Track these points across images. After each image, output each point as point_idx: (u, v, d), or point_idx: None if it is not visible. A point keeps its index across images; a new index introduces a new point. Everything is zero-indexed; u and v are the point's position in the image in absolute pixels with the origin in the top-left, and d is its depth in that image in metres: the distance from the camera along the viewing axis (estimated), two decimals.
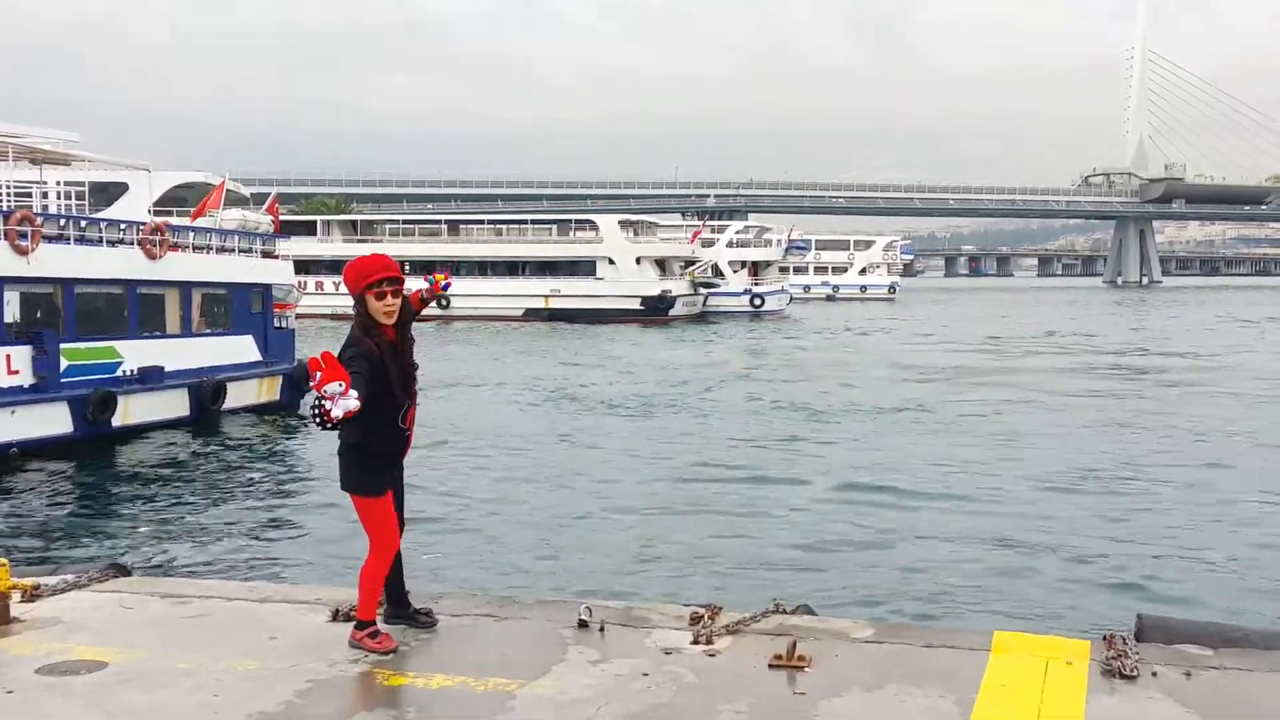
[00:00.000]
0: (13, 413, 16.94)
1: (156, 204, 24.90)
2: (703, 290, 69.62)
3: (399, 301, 5.14)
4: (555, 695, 4.47)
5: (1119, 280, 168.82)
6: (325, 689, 4.58)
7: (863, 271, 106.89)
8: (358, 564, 5.30)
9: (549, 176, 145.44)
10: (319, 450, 17.60)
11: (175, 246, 21.18)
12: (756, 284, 73.90)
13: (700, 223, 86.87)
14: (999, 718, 4.26)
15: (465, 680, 4.64)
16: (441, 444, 18.10)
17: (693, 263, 68.30)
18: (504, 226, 70.85)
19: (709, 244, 74.22)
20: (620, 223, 66.21)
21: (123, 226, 20.48)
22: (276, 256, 25.33)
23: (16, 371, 17.33)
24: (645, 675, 4.68)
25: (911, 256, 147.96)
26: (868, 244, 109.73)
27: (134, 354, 19.65)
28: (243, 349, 23.10)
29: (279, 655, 4.95)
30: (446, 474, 15.60)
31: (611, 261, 63.03)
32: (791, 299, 77.53)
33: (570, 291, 62.51)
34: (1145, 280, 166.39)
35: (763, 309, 71.54)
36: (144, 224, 20.78)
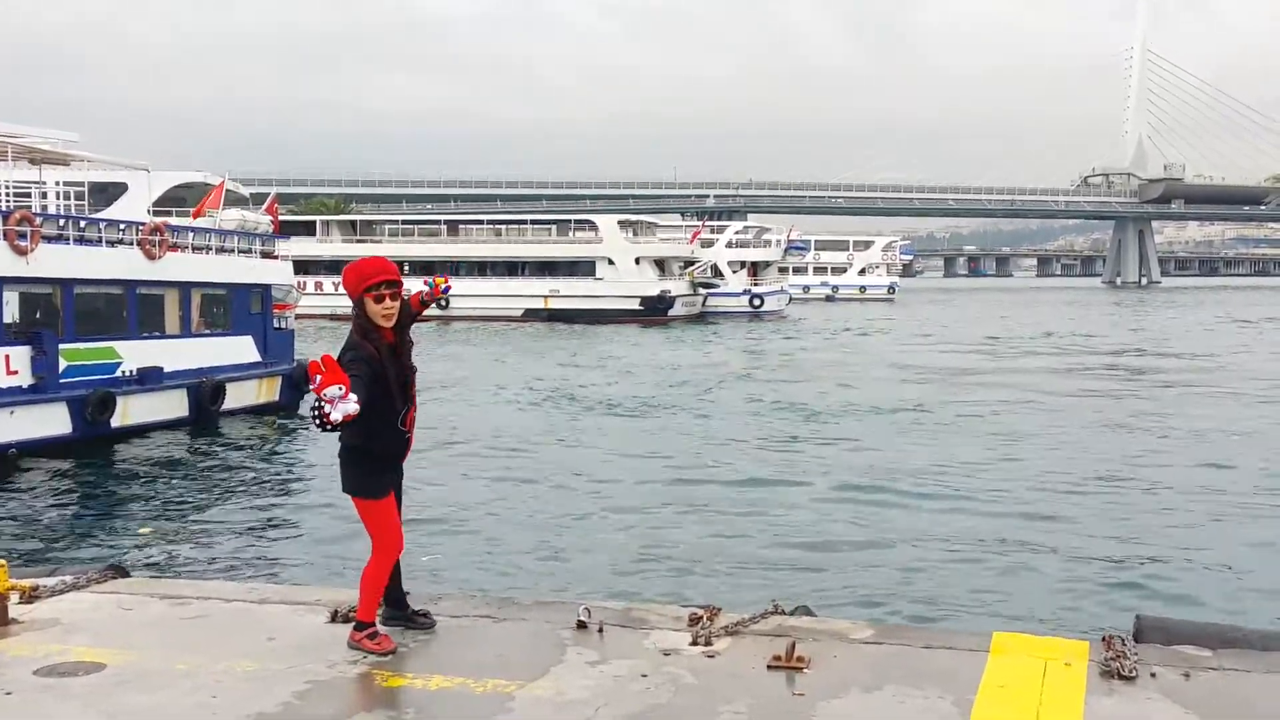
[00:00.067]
0: (12, 413, 16.94)
1: (156, 204, 24.89)
2: (702, 290, 69.63)
3: (398, 304, 5.14)
4: (554, 696, 4.47)
5: (1118, 281, 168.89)
6: (324, 690, 4.58)
7: (862, 272, 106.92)
8: (356, 565, 5.31)
9: (548, 177, 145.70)
10: (318, 451, 17.60)
11: (175, 247, 21.18)
12: (756, 284, 73.91)
13: (699, 223, 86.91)
14: (998, 718, 4.26)
15: (464, 681, 4.64)
16: (441, 445, 18.09)
17: (692, 263, 68.31)
18: (503, 227, 70.85)
19: (708, 244, 74.27)
20: (620, 223, 66.23)
21: (122, 227, 20.48)
22: (276, 257, 25.32)
23: (15, 372, 17.32)
24: (644, 676, 4.68)
25: (911, 257, 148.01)
26: (867, 244, 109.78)
27: (133, 354, 19.64)
28: (242, 349, 23.10)
29: (278, 656, 4.95)
30: (445, 475, 15.60)
31: (611, 262, 63.04)
32: (791, 299, 77.55)
33: (569, 292, 62.52)
34: (1144, 280, 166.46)
35: (762, 309, 71.56)
36: (143, 224, 20.77)
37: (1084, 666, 4.76)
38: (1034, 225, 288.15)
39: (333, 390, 4.43)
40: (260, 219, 28.16)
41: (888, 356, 38.39)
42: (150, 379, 19.69)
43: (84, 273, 18.88)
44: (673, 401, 24.67)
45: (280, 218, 31.97)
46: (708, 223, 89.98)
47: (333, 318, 51.24)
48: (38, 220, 18.08)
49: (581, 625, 5.28)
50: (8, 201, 20.26)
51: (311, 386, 4.54)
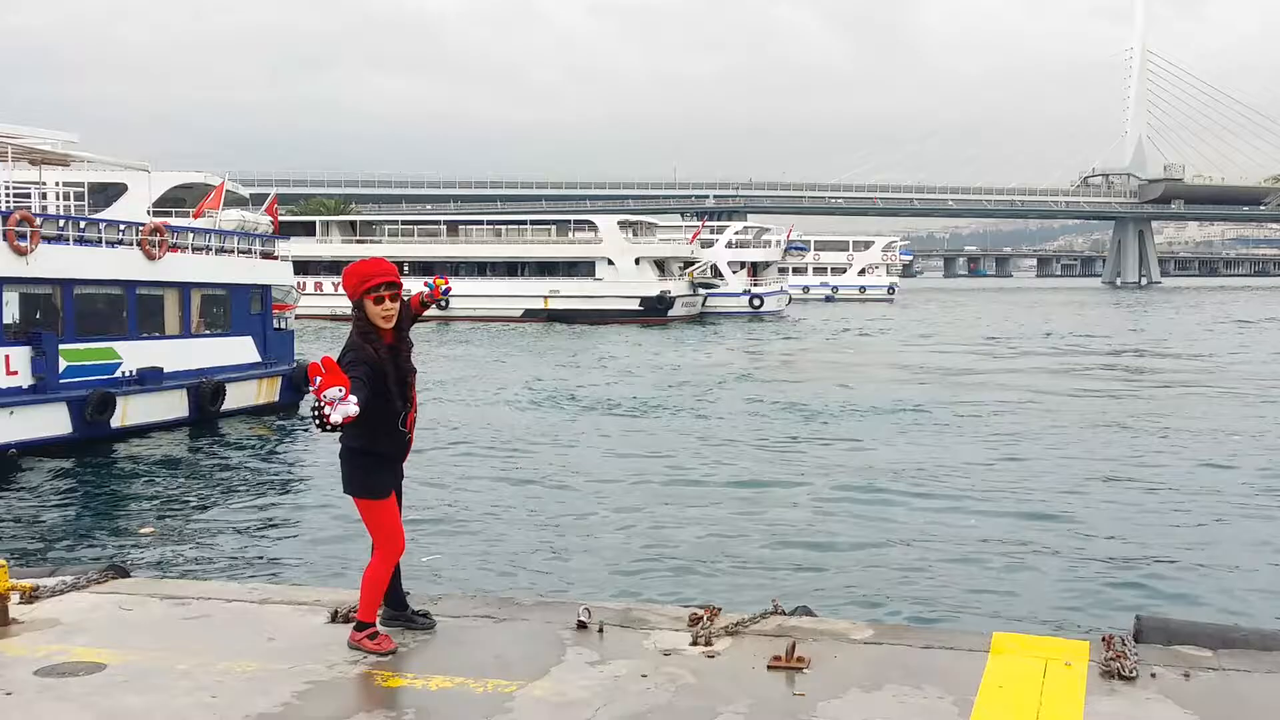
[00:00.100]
0: (11, 413, 16.94)
1: (155, 204, 24.92)
2: (702, 291, 69.62)
3: (397, 306, 5.15)
4: (554, 696, 4.47)
5: (1118, 281, 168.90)
6: (324, 690, 4.58)
7: (862, 272, 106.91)
8: (356, 565, 5.31)
9: (548, 177, 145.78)
10: (318, 451, 17.61)
11: (174, 247, 21.17)
12: (755, 285, 73.89)
13: (699, 223, 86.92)
14: (998, 719, 4.26)
15: (464, 681, 4.64)
16: (441, 445, 18.09)
17: (692, 263, 68.29)
18: (503, 227, 70.78)
19: (708, 244, 74.24)
20: (619, 223, 66.19)
21: (122, 227, 20.47)
22: (275, 257, 25.31)
23: (15, 372, 17.32)
24: (644, 676, 4.69)
25: (910, 257, 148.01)
26: (867, 244, 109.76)
27: (133, 355, 19.64)
28: (242, 350, 23.09)
29: (278, 656, 4.95)
30: (445, 475, 15.60)
31: (610, 262, 63.04)
32: (790, 300, 77.55)
33: (569, 292, 62.51)
34: (1144, 281, 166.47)
35: (762, 310, 71.56)
36: (143, 224, 20.76)
37: (1084, 666, 4.76)
38: (1034, 225, 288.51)
39: (333, 392, 4.44)
40: (260, 219, 28.19)
41: (888, 357, 38.39)
42: (150, 379, 19.68)
43: (84, 273, 18.88)
44: (673, 402, 24.67)
45: (280, 218, 32.00)
46: (707, 223, 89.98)
47: (332, 318, 51.27)
48: (37, 220, 18.08)
49: (581, 625, 5.28)
50: (8, 202, 20.26)
51: (311, 388, 4.54)
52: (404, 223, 72.20)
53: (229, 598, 5.94)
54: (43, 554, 11.32)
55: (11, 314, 17.62)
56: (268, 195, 32.03)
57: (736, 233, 79.82)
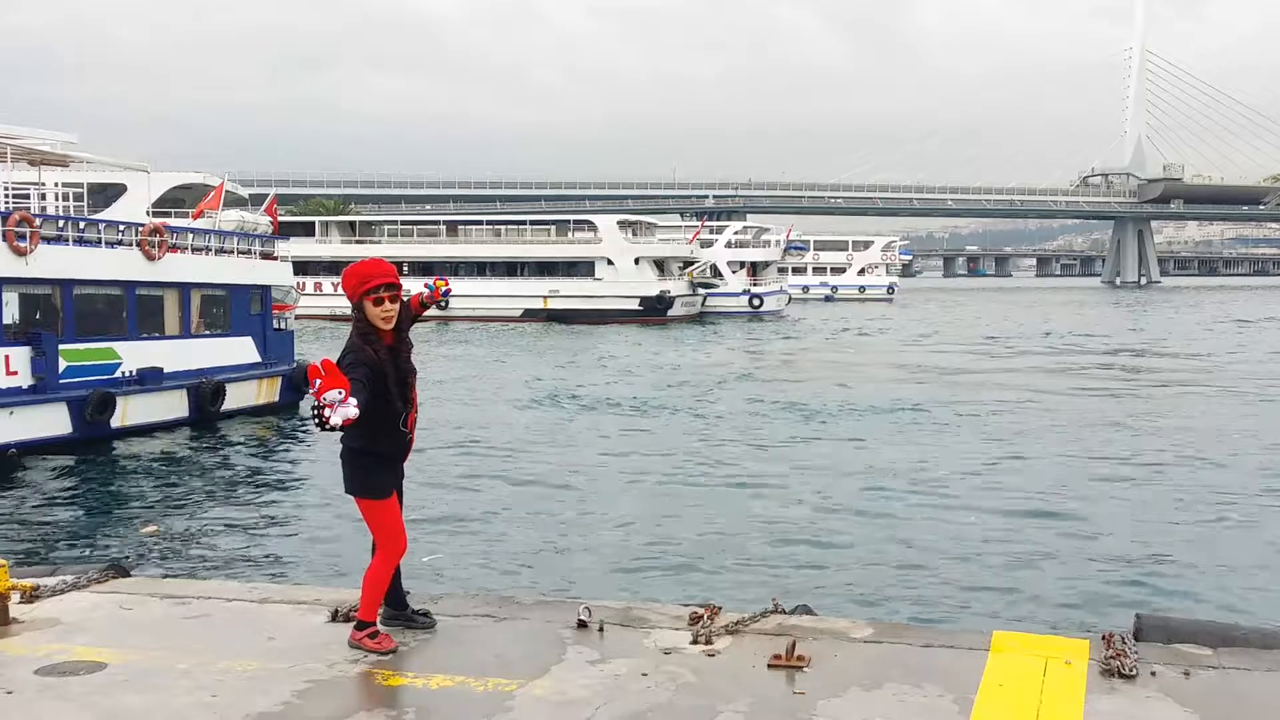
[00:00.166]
0: (11, 413, 16.94)
1: (155, 205, 24.91)
2: (701, 291, 69.62)
3: (397, 307, 5.15)
4: (554, 695, 4.47)
5: (1117, 280, 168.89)
6: (324, 689, 4.58)
7: (861, 272, 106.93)
8: (357, 564, 5.32)
9: (547, 177, 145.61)
10: (318, 451, 17.61)
11: (174, 248, 21.18)
12: (755, 284, 73.90)
13: (699, 223, 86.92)
14: (998, 717, 4.27)
15: (464, 680, 4.64)
16: (441, 445, 18.09)
17: (691, 263, 68.29)
18: (502, 227, 70.80)
19: (707, 244, 74.23)
20: (619, 223, 66.19)
21: (121, 227, 20.48)
22: (275, 257, 25.32)
23: (15, 372, 17.33)
24: (644, 675, 4.69)
25: (909, 257, 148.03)
26: (866, 244, 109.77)
27: (133, 355, 19.64)
28: (242, 350, 23.10)
29: (278, 656, 4.95)
30: (445, 474, 15.60)
31: (610, 262, 63.03)
32: (790, 299, 77.56)
33: (569, 292, 62.52)
34: (1144, 280, 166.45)
35: (761, 309, 71.56)
36: (143, 225, 20.77)
37: (1084, 665, 4.76)
38: (1033, 225, 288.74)
39: (332, 394, 4.44)
40: (259, 220, 28.17)
41: (887, 356, 38.39)
42: (150, 379, 19.69)
43: (83, 273, 18.88)
44: (672, 401, 24.68)
45: (279, 218, 31.97)
46: (707, 223, 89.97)
47: (332, 318, 51.27)
48: (37, 221, 18.09)
49: (582, 624, 5.29)
50: (7, 202, 20.26)
51: (311, 390, 4.54)
52: (403, 223, 72.18)
53: (229, 597, 5.95)
54: (43, 554, 11.32)
55: (11, 314, 17.63)
56: (267, 195, 32.02)
57: (736, 233, 79.80)
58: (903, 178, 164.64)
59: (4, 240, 17.18)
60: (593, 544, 11.78)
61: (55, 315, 18.41)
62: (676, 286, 64.59)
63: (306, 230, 65.43)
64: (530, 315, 61.82)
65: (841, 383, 28.55)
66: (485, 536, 12.12)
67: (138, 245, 20.17)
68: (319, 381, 4.44)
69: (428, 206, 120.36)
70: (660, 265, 65.02)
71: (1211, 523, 12.68)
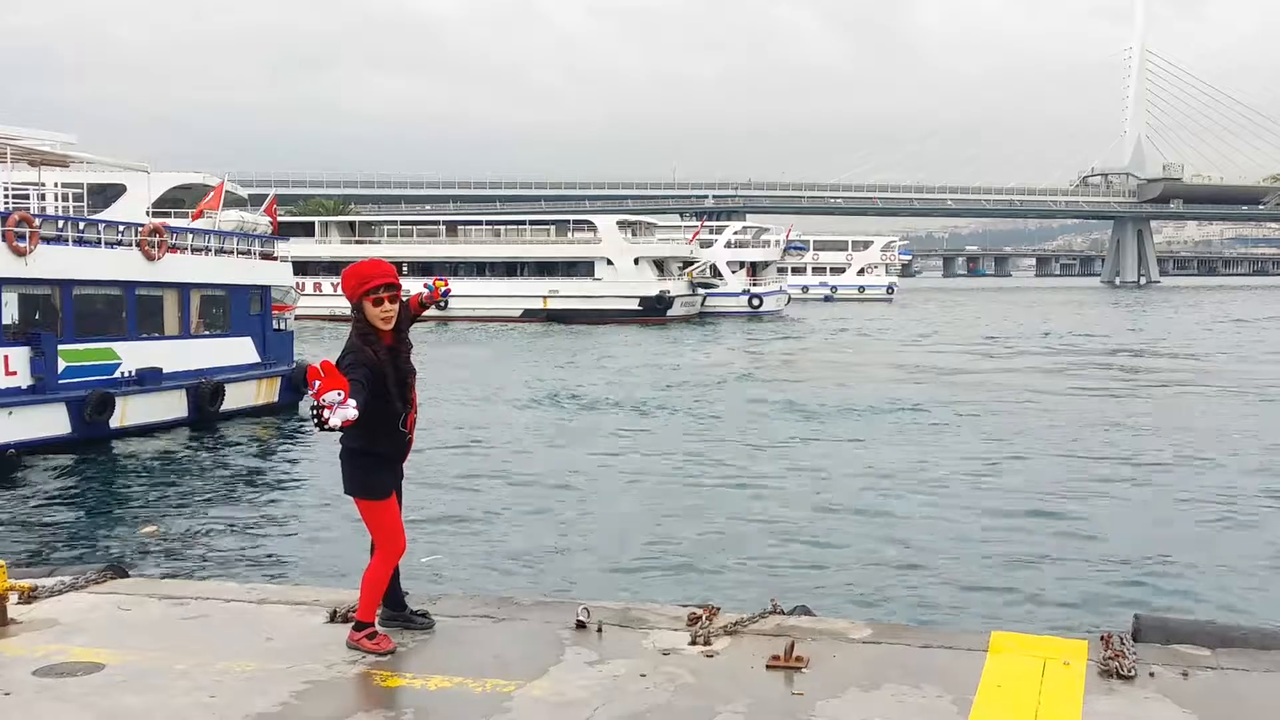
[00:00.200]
0: (10, 414, 16.94)
1: (155, 205, 24.91)
2: (701, 291, 69.62)
3: (396, 307, 5.14)
4: (553, 696, 4.47)
5: (1117, 280, 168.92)
6: (323, 690, 4.58)
7: (861, 272, 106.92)
8: (355, 565, 5.31)
9: (547, 177, 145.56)
10: (317, 452, 17.61)
11: (174, 248, 21.18)
12: (754, 284, 73.90)
13: (698, 223, 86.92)
14: (997, 718, 4.27)
15: (463, 681, 4.64)
16: (441, 445, 18.09)
17: (691, 263, 68.29)
18: (502, 227, 70.78)
19: (707, 244, 74.24)
20: (618, 223, 66.19)
21: (121, 228, 20.48)
22: (275, 258, 25.31)
23: (15, 373, 17.33)
24: (643, 676, 4.69)
25: (909, 257, 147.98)
26: (866, 244, 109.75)
27: (132, 355, 19.64)
28: (241, 350, 23.09)
29: (276, 656, 4.95)
30: (445, 475, 15.59)
31: (610, 262, 63.03)
32: (789, 299, 77.56)
33: (568, 292, 62.52)
34: (1143, 280, 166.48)
35: (761, 309, 71.57)
36: (142, 225, 20.77)
37: (1083, 666, 4.76)
38: (1033, 225, 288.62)
39: (331, 396, 4.44)
40: (259, 220, 28.18)
41: (886, 356, 38.39)
42: (149, 380, 19.68)
43: (83, 274, 18.88)
44: (671, 402, 24.68)
45: (279, 219, 31.98)
46: (706, 223, 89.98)
47: (332, 318, 51.24)
48: (37, 221, 18.08)
49: (580, 625, 5.28)
50: (7, 203, 20.25)
51: (310, 392, 4.54)
52: (403, 223, 72.16)
53: (227, 598, 5.94)
54: (41, 554, 11.32)
55: (11, 314, 17.63)
56: (267, 196, 32.03)
57: (735, 233, 79.81)
58: (902, 178, 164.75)
59: (3, 240, 17.18)
60: (591, 544, 11.78)
61: (54, 315, 18.41)
62: (676, 286, 64.59)
63: (306, 230, 65.41)
64: (530, 315, 61.83)
65: (841, 383, 28.56)
66: (484, 537, 12.12)
67: (137, 245, 20.17)
68: (318, 383, 4.44)
69: (427, 207, 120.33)
70: (660, 265, 65.02)
71: (1210, 523, 12.69)
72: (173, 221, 23.24)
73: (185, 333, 21.50)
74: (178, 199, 27.53)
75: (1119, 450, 17.79)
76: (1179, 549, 11.45)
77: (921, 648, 5.03)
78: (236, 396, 21.87)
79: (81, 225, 19.73)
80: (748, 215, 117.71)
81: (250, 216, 28.36)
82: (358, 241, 66.92)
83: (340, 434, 4.82)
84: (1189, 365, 34.09)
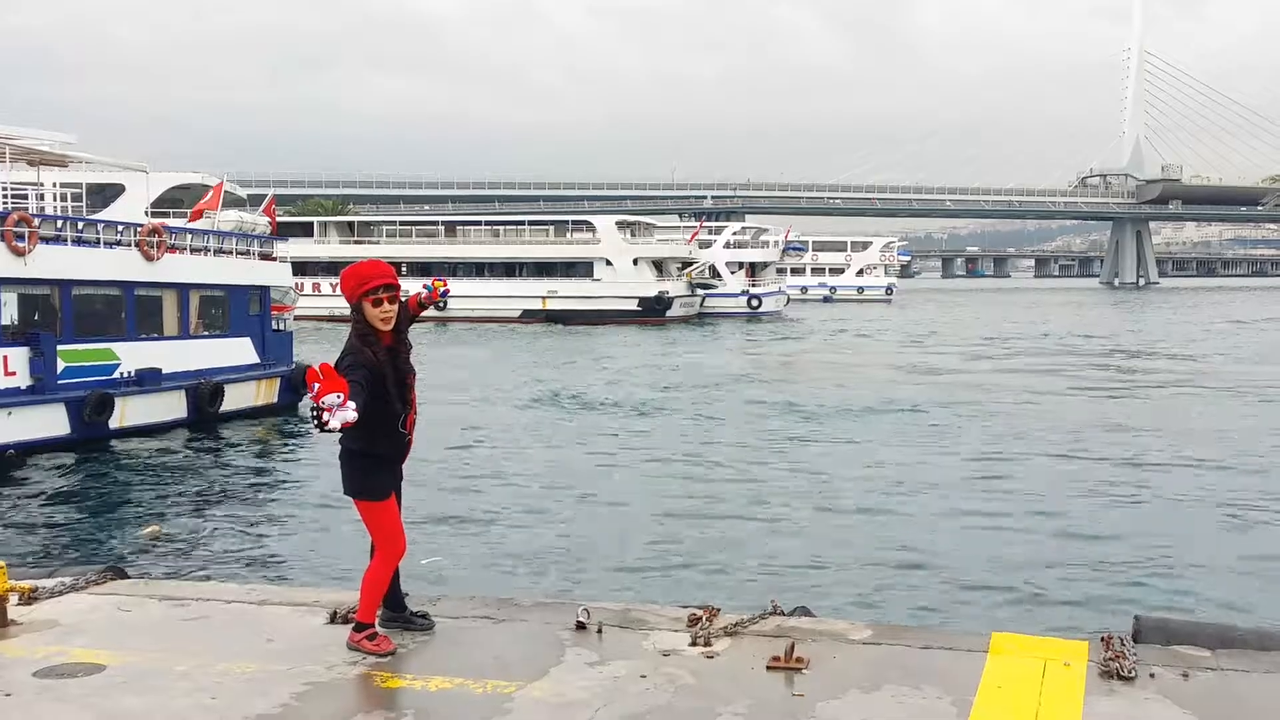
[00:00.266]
0: (9, 414, 16.93)
1: (154, 205, 24.89)
2: (700, 291, 69.64)
3: (395, 308, 5.14)
4: (553, 697, 4.47)
5: (1116, 281, 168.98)
6: (323, 691, 4.58)
7: (860, 273, 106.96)
8: (355, 566, 5.31)
9: (546, 178, 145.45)
10: (317, 452, 17.60)
11: (173, 248, 21.17)
12: (753, 285, 73.92)
13: (697, 224, 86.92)
14: (997, 719, 4.27)
15: (463, 682, 4.64)
16: (440, 445, 18.07)
17: (690, 264, 68.31)
18: (501, 228, 70.76)
19: (706, 245, 74.23)
20: (617, 224, 66.18)
21: (120, 228, 20.46)
22: (274, 258, 25.31)
23: (14, 373, 17.32)
24: (643, 677, 4.69)
25: (908, 258, 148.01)
26: (865, 245, 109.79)
27: (131, 356, 19.63)
28: (240, 351, 23.09)
29: (277, 657, 4.95)
30: (445, 475, 15.59)
31: (609, 262, 63.03)
32: (789, 300, 77.59)
33: (567, 292, 62.52)
34: (1142, 281, 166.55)
35: (760, 310, 71.59)
36: (141, 225, 20.76)
37: (1083, 667, 4.76)
38: (1032, 226, 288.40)
39: (331, 398, 4.43)
40: (258, 220, 28.18)
41: (886, 357, 38.41)
42: (148, 380, 19.67)
43: (82, 274, 18.87)
44: (671, 402, 24.68)
45: (278, 219, 31.97)
46: (705, 223, 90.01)
47: (331, 319, 51.21)
48: (36, 221, 18.07)
49: (580, 626, 5.28)
50: (6, 203, 20.23)
51: (310, 394, 4.54)
52: (402, 223, 72.13)
53: (228, 599, 5.94)
54: (41, 555, 11.31)
55: (10, 315, 17.62)
56: (265, 196, 32.01)
57: (735, 233, 79.83)
58: (902, 178, 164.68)
59: (3, 240, 17.17)
60: (591, 545, 11.78)
61: (54, 315, 18.40)
62: (675, 287, 64.61)
63: (305, 231, 65.35)
64: (529, 316, 61.83)
65: (840, 383, 28.56)
66: (484, 537, 12.12)
67: (136, 246, 20.16)
68: (318, 385, 4.44)
69: (426, 207, 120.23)
70: (659, 266, 65.03)
71: (1210, 523, 12.69)
72: (171, 222, 23.23)
73: (184, 333, 21.49)
74: (176, 199, 27.49)
75: (1118, 451, 17.79)
76: (1179, 549, 11.45)
77: (922, 649, 5.03)
78: (236, 397, 21.87)
79: (80, 225, 19.72)
80: (747, 216, 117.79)
81: (249, 217, 28.36)
82: (356, 242, 66.91)
83: (340, 435, 4.81)
84: (1188, 366, 34.11)
